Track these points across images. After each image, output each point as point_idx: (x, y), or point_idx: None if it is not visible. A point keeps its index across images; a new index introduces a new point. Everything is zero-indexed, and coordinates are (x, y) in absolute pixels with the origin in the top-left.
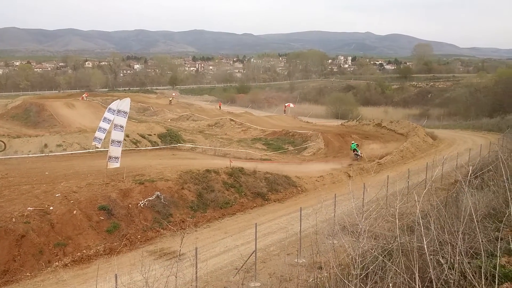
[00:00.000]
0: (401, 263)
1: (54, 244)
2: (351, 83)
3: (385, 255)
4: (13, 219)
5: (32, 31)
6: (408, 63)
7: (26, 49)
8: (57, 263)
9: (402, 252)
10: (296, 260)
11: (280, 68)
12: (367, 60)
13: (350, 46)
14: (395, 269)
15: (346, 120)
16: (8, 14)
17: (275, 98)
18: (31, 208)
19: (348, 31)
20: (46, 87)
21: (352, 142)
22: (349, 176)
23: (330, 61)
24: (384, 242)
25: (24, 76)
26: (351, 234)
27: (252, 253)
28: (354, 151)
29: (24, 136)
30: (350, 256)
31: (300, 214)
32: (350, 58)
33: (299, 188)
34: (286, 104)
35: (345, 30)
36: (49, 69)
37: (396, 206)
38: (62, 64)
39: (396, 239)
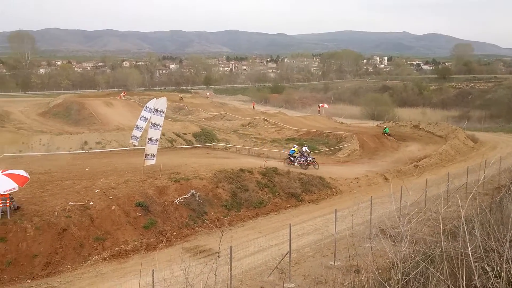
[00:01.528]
0: (445, 269)
1: (93, 238)
2: (387, 84)
3: (427, 261)
4: (56, 213)
5: (73, 31)
6: (447, 64)
7: (67, 49)
8: (96, 257)
9: (445, 258)
10: (331, 263)
11: (314, 68)
12: (404, 60)
13: (385, 45)
14: (438, 275)
15: (382, 121)
16: (50, 16)
17: (309, 98)
18: (72, 203)
19: (383, 31)
20: (86, 86)
21: (385, 127)
22: (386, 179)
23: (365, 61)
24: (425, 247)
25: (65, 75)
26: (389, 238)
27: (286, 254)
28: (388, 135)
29: (66, 134)
30: (390, 260)
31: (335, 216)
32: (386, 58)
33: (333, 189)
34: (320, 105)
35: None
36: (88, 68)
37: (440, 210)
38: (101, 64)
39: (439, 245)
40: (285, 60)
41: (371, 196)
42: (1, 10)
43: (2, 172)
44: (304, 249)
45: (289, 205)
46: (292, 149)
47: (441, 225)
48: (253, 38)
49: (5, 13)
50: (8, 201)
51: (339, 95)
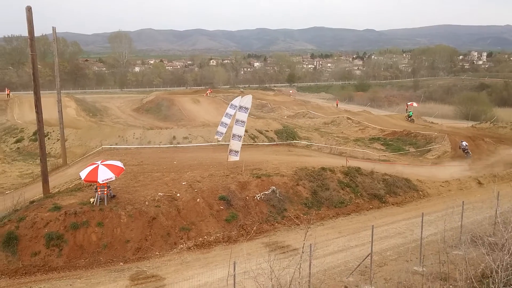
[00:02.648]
0: None
1: (179, 228)
2: (485, 81)
3: None
4: (146, 202)
5: (164, 31)
6: None
7: (160, 49)
8: (181, 246)
9: None
10: (416, 268)
11: (404, 65)
12: (506, 56)
13: (485, 40)
14: None
15: (478, 122)
16: (145, 17)
17: (396, 97)
18: (161, 194)
19: (483, 25)
20: (176, 83)
21: (410, 110)
22: (480, 183)
23: (461, 57)
24: None
25: (157, 73)
26: (484, 246)
27: (368, 256)
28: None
29: (156, 128)
30: (481, 270)
31: (422, 220)
32: (485, 54)
33: (420, 192)
34: (409, 103)
35: (480, 23)
36: (178, 67)
37: None
38: (190, 62)
39: None
40: (372, 56)
41: (463, 201)
42: (103, 13)
43: (101, 162)
44: (386, 252)
45: (371, 206)
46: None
47: None
48: (339, 35)
49: (107, 16)
50: (106, 189)
51: (430, 93)
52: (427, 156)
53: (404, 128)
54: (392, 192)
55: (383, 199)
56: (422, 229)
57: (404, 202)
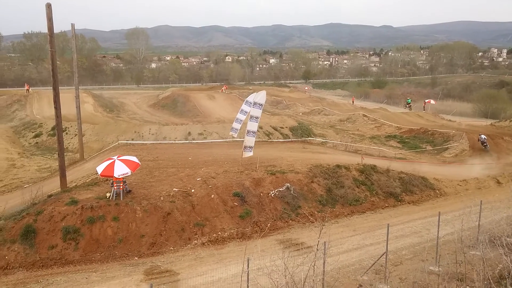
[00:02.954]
0: None
1: (194, 223)
2: (505, 79)
3: None
4: (161, 198)
5: (181, 28)
6: None
7: (176, 45)
8: (196, 241)
9: None
10: (432, 268)
11: (421, 62)
12: None
13: (506, 37)
14: None
15: (497, 120)
16: (162, 14)
17: (413, 94)
18: (176, 189)
19: (503, 21)
20: (191, 80)
21: (408, 98)
22: (499, 183)
23: (480, 54)
24: None
25: (173, 69)
26: (502, 247)
27: (383, 254)
28: (482, 143)
29: (172, 124)
30: (499, 271)
31: (439, 219)
32: (505, 50)
33: (437, 191)
34: (426, 101)
35: (500, 20)
36: (194, 63)
37: None
38: (206, 58)
39: None
40: (389, 53)
41: (481, 201)
42: (120, 10)
43: (118, 157)
44: (401, 251)
45: (387, 205)
46: (408, 99)
47: None
48: (355, 31)
49: (124, 13)
50: (122, 184)
51: (448, 90)
52: (444, 154)
53: (421, 126)
54: (408, 191)
55: (399, 198)
56: (438, 228)
57: (421, 201)
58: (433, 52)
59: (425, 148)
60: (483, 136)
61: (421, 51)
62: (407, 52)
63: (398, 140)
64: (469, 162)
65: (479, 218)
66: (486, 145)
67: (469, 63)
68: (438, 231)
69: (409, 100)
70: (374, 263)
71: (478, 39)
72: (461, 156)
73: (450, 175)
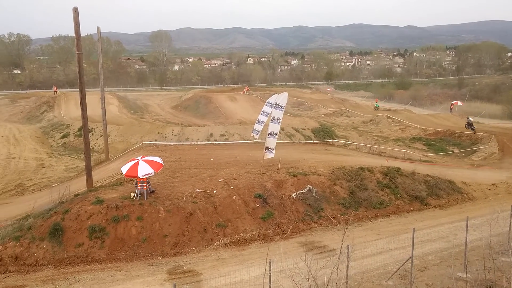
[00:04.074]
0: None
1: (216, 224)
2: None
3: None
4: (184, 198)
5: (203, 30)
6: None
7: (198, 47)
8: (218, 242)
9: None
10: (460, 274)
11: (447, 63)
12: None
13: None
14: None
15: None
16: (185, 16)
17: (439, 95)
18: (198, 190)
19: None
20: (213, 81)
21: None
22: None
23: (509, 54)
24: None
25: (195, 71)
26: None
27: (408, 259)
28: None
29: (194, 125)
30: None
31: (467, 224)
32: None
33: (465, 195)
34: (453, 102)
35: None
36: (216, 65)
37: None
38: (227, 60)
39: None
40: (414, 53)
41: (511, 206)
42: (145, 13)
43: (141, 158)
44: (428, 257)
45: (412, 209)
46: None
47: None
48: (379, 32)
49: (148, 16)
50: (145, 184)
51: (476, 92)
52: (472, 157)
53: (447, 128)
54: (434, 194)
55: (425, 201)
56: (466, 233)
57: (447, 205)
58: (460, 53)
59: (452, 151)
60: (470, 119)
61: (447, 52)
62: (432, 53)
63: (424, 142)
64: (499, 166)
65: (510, 223)
66: (474, 127)
67: (497, 64)
68: (466, 236)
69: (377, 104)
70: (399, 268)
71: (507, 39)
72: (490, 159)
73: (478, 178)
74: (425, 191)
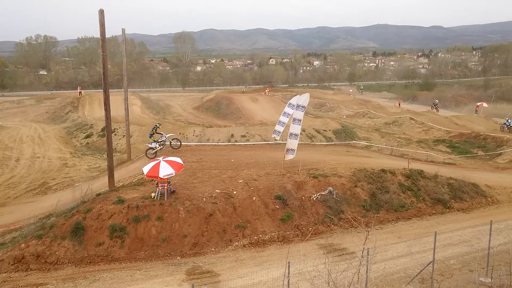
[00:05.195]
0: None
1: (235, 225)
2: None
3: None
4: (204, 199)
5: (226, 31)
6: None
7: (221, 48)
8: (236, 243)
9: None
10: (482, 279)
11: (473, 63)
12: None
13: None
14: None
15: None
16: (208, 18)
17: (464, 97)
18: (218, 191)
19: None
20: (235, 82)
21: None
22: None
23: None
24: None
25: (217, 72)
26: None
27: (430, 263)
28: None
29: (215, 126)
30: None
31: (490, 228)
32: None
33: (489, 198)
34: (479, 104)
35: None
36: (238, 66)
37: None
38: (250, 61)
39: None
40: (439, 54)
41: None
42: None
43: (163, 158)
44: (449, 261)
45: (434, 212)
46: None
47: None
48: (403, 32)
49: (172, 17)
50: (166, 184)
51: (503, 93)
52: (497, 160)
53: (472, 130)
54: (457, 197)
55: (448, 205)
56: (490, 237)
57: (471, 208)
58: (486, 53)
59: (477, 153)
60: (436, 100)
61: (473, 52)
62: (458, 53)
63: (447, 144)
64: None
65: None
66: (437, 107)
67: None
68: (489, 241)
69: (362, 87)
70: (420, 272)
71: None
72: None
73: (503, 182)
74: (448, 194)
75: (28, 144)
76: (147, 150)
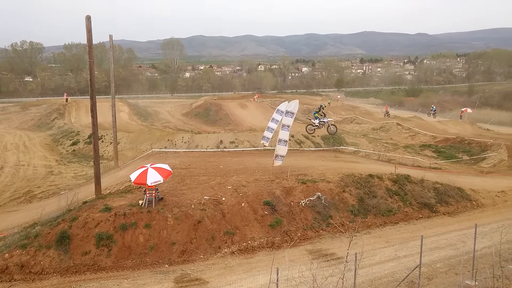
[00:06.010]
0: None
1: (224, 232)
2: None
3: None
4: (192, 206)
5: (215, 38)
6: None
7: (210, 54)
8: (225, 250)
9: None
10: (468, 282)
11: (458, 70)
12: None
13: None
14: None
15: None
16: (196, 24)
17: (449, 102)
18: (207, 197)
19: None
20: (224, 88)
21: (433, 105)
22: None
23: None
24: None
25: (206, 78)
26: None
27: (416, 267)
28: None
29: (204, 132)
30: None
31: (475, 231)
32: None
33: (474, 202)
34: (463, 109)
35: None
36: (227, 72)
37: None
38: (239, 67)
39: None
40: (425, 61)
41: None
42: (156, 21)
43: (151, 165)
44: (436, 264)
45: (421, 216)
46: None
47: None
48: (390, 39)
49: (160, 24)
50: (154, 191)
51: (486, 99)
52: (482, 164)
53: (457, 135)
54: (443, 202)
55: (434, 209)
56: (475, 241)
57: (456, 212)
58: (470, 60)
59: (461, 158)
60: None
61: (458, 59)
62: (443, 60)
63: (433, 149)
64: (508, 173)
65: None
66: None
67: (508, 71)
68: (474, 244)
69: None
70: (407, 276)
71: None
72: (499, 166)
73: (488, 186)
74: (434, 198)
75: (12, 151)
76: (307, 126)
